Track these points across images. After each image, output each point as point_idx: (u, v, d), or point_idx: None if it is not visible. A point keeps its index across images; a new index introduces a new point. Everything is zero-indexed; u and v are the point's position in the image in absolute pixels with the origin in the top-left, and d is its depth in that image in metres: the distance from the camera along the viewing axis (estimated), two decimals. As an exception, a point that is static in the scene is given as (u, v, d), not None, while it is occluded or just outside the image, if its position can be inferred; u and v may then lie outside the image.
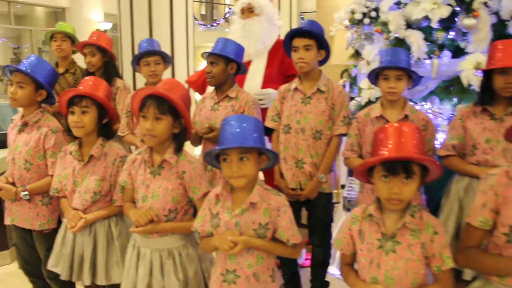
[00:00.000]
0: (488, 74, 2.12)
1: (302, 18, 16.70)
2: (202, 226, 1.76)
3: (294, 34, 2.44)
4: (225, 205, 1.70)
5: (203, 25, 15.22)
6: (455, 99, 2.74)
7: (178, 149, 1.91)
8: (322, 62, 2.52)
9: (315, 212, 2.54)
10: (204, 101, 2.71)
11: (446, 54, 2.71)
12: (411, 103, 2.91)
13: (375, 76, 2.32)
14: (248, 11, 3.23)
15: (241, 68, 2.61)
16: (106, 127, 2.16)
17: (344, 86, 3.33)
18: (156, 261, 1.89)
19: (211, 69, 2.54)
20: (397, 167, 1.42)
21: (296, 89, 2.50)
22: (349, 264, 1.63)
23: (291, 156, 2.48)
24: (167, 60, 2.96)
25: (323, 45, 2.42)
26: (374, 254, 1.51)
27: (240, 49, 2.57)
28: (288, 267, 2.73)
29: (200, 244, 1.83)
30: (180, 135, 1.91)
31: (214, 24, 15.53)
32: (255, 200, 1.65)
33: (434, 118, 2.87)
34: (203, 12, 16.95)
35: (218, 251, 1.72)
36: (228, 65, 2.54)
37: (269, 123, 2.58)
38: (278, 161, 1.75)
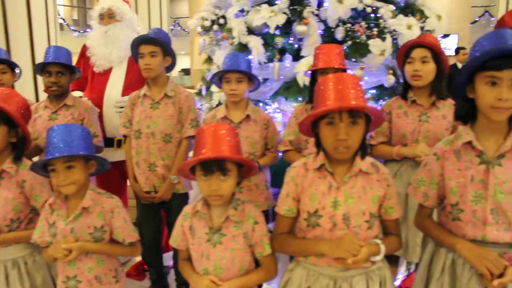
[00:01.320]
0: (314, 75, 2.36)
1: (178, 23, 16.77)
2: (41, 237, 1.75)
3: (140, 41, 2.48)
4: (60, 214, 1.71)
5: (76, 30, 14.51)
6: (300, 98, 2.98)
7: (17, 158, 1.89)
8: (169, 68, 2.59)
9: (171, 212, 2.60)
10: (38, 111, 2.66)
11: (288, 57, 2.94)
12: (261, 104, 3.13)
13: (219, 80, 2.45)
14: (108, 17, 3.19)
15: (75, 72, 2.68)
16: None
17: (201, 90, 3.44)
18: (0, 273, 1.83)
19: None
20: (212, 166, 1.53)
21: (145, 95, 2.55)
22: (185, 259, 1.71)
23: (143, 160, 2.52)
24: (14, 68, 2.82)
25: (168, 52, 2.50)
26: (204, 247, 1.61)
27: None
28: (155, 268, 2.77)
29: (41, 255, 1.81)
30: (19, 144, 1.88)
31: (88, 30, 14.87)
32: (87, 205, 1.69)
33: (285, 116, 3.10)
34: (75, 17, 16.15)
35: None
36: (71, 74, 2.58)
37: (121, 130, 2.61)
38: (109, 165, 1.78)
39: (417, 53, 2.20)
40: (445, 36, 12.57)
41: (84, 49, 3.30)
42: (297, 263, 1.60)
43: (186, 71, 15.90)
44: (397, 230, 1.64)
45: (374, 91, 2.93)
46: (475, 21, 13.48)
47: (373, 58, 2.68)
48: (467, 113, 1.47)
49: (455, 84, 1.45)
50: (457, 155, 1.49)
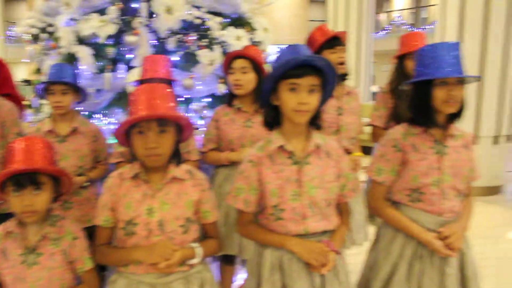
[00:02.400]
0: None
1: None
2: None
3: None
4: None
5: None
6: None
7: None
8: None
9: None
10: None
11: (121, 67, 2.89)
12: (97, 116, 3.02)
13: (45, 91, 2.31)
14: None
15: None
16: None
17: (32, 102, 3.20)
18: None
19: None
20: (24, 180, 1.45)
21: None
22: None
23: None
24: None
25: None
26: (18, 269, 1.51)
27: None
28: None
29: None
30: None
31: None
32: None
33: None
34: None
35: None
36: None
37: None
38: None
39: (238, 63, 2.34)
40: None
41: None
42: (119, 274, 1.58)
43: (28, 81, 14.57)
44: (216, 233, 1.72)
45: (209, 99, 3.04)
46: (314, 33, 14.74)
47: (203, 68, 2.78)
48: (273, 119, 1.60)
49: (261, 93, 1.58)
50: (271, 159, 1.59)
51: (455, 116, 1.72)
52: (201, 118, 2.98)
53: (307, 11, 13.66)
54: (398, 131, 1.79)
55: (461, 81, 1.65)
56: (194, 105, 2.95)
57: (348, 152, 2.55)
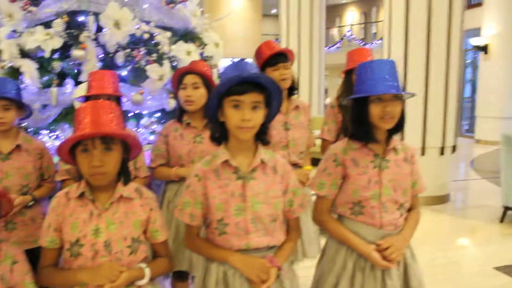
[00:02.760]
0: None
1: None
2: None
3: None
4: None
5: None
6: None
7: None
8: None
9: None
10: None
11: (69, 82, 2.86)
12: (44, 131, 2.96)
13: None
14: None
15: None
16: None
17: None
18: None
19: None
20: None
21: None
22: None
23: None
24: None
25: None
26: None
27: None
28: None
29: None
30: None
31: None
32: None
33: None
34: None
35: None
36: None
37: None
38: None
39: (189, 79, 2.38)
40: (242, 60, 13.75)
41: None
42: None
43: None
44: (166, 252, 1.73)
45: (159, 114, 3.05)
46: (268, 47, 15.01)
47: (152, 83, 2.80)
48: (221, 135, 1.64)
49: (206, 109, 1.62)
50: (216, 174, 1.63)
51: (394, 130, 1.78)
52: (151, 133, 2.99)
53: (260, 25, 13.88)
54: (338, 146, 1.85)
55: (397, 97, 1.72)
56: (144, 121, 2.96)
57: (298, 166, 2.63)
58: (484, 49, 11.29)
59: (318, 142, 3.00)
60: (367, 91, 1.70)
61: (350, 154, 1.81)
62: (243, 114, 1.50)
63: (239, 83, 1.50)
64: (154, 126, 3.03)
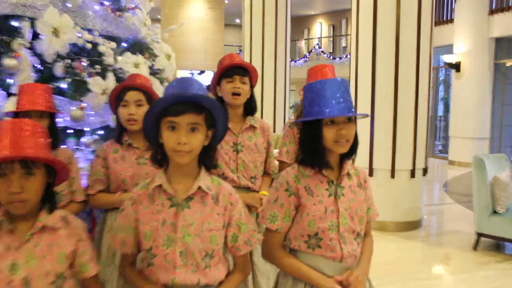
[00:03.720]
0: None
1: None
2: None
3: None
4: None
5: None
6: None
7: None
8: None
9: None
10: None
11: (1, 94, 2.75)
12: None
13: None
14: None
15: None
16: None
17: None
18: None
19: None
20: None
21: None
22: None
23: None
24: None
25: None
26: None
27: None
28: None
29: None
30: None
31: None
32: None
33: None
34: None
35: None
36: None
37: None
38: None
39: (131, 96, 2.35)
40: (201, 72, 13.80)
41: None
42: None
43: None
44: (97, 287, 1.67)
45: (102, 132, 2.98)
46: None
47: (95, 98, 2.73)
48: (162, 157, 1.61)
49: (144, 130, 1.59)
50: (150, 198, 1.61)
51: (349, 154, 1.77)
52: (93, 152, 2.91)
53: (222, 35, 13.97)
54: (290, 173, 1.79)
55: (351, 119, 1.71)
56: (85, 139, 2.88)
57: (251, 190, 2.61)
58: (456, 66, 11.67)
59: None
60: (319, 113, 1.67)
61: (303, 182, 1.76)
62: (179, 137, 1.49)
63: (175, 102, 1.49)
64: (97, 145, 2.95)
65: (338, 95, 1.67)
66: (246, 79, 2.58)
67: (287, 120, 10.00)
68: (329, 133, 1.68)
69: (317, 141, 1.71)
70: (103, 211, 2.49)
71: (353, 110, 1.70)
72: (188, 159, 1.54)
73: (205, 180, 1.61)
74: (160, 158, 1.61)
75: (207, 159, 1.60)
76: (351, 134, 1.70)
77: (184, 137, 1.49)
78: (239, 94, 2.53)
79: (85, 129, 2.95)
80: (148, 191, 1.61)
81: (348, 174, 1.82)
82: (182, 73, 13.06)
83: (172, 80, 1.64)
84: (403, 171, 5.81)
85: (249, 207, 2.49)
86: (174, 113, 1.48)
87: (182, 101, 1.49)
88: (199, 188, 1.59)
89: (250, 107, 2.65)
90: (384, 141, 5.67)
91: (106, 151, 2.41)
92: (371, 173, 5.80)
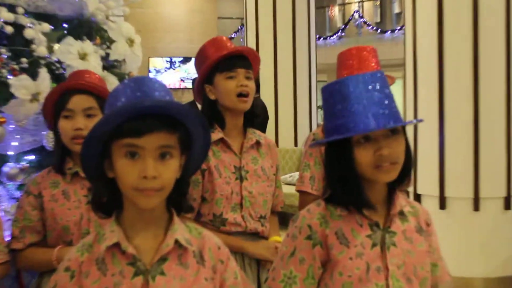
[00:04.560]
0: None
1: None
2: None
3: None
4: None
5: None
6: None
7: None
8: None
9: None
10: None
11: None
12: None
13: None
14: None
15: None
16: None
17: None
18: None
19: None
20: None
21: None
22: None
23: None
24: None
25: None
26: None
27: None
28: None
29: None
30: None
31: None
32: None
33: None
34: None
35: None
36: None
37: None
38: None
39: (79, 102, 2.37)
40: (185, 60, 13.88)
41: None
42: None
43: None
44: None
45: (33, 157, 2.99)
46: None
47: (20, 106, 2.73)
48: (110, 200, 1.59)
49: (82, 159, 1.56)
50: (101, 265, 1.56)
51: (399, 181, 1.75)
52: (21, 188, 2.92)
53: (215, 4, 14.09)
54: (313, 213, 1.80)
55: (396, 131, 1.69)
56: (7, 168, 2.89)
57: (259, 235, 2.62)
58: None
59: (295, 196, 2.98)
60: (345, 128, 1.66)
61: (333, 226, 1.75)
62: (144, 168, 1.46)
63: (135, 116, 1.46)
64: (26, 176, 2.96)
65: (373, 97, 1.65)
66: (251, 73, 2.60)
67: (314, 127, 9.72)
68: (364, 156, 1.67)
69: (349, 169, 1.70)
70: (37, 275, 2.50)
71: (398, 117, 1.67)
72: (157, 200, 1.52)
73: (181, 230, 1.60)
74: (107, 203, 1.59)
75: (179, 198, 1.60)
76: (398, 153, 1.69)
77: (152, 168, 1.47)
78: (247, 95, 2.56)
79: (8, 153, 2.97)
80: (95, 255, 1.57)
81: (402, 214, 1.81)
82: (156, 63, 13.16)
83: (121, 83, 1.60)
84: (493, 200, 5.70)
85: (258, 261, 2.54)
86: (135, 133, 1.46)
87: (146, 113, 1.47)
88: (176, 242, 1.57)
89: (252, 114, 2.65)
90: (461, 158, 5.60)
91: (40, 185, 2.42)
92: (443, 205, 5.68)
